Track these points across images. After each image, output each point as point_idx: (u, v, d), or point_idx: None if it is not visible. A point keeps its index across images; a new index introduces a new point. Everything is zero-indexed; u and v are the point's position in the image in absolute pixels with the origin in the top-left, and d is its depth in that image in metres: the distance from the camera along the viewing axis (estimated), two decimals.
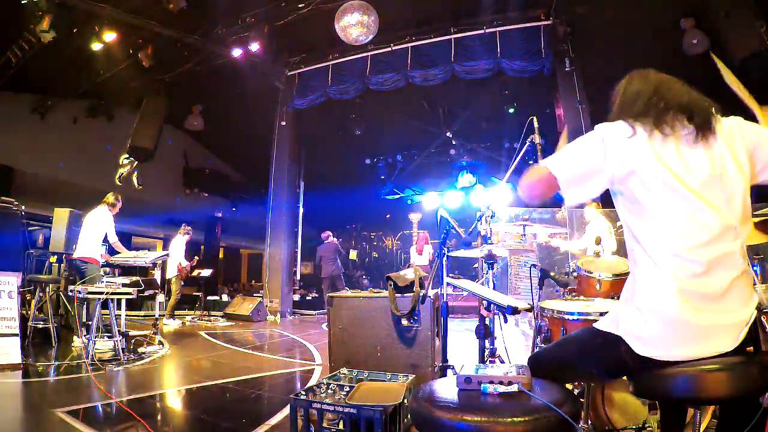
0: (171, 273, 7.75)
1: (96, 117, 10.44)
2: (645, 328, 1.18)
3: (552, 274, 3.37)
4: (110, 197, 5.40)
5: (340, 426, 2.06)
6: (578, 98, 7.47)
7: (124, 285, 4.26)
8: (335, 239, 9.47)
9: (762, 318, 1.19)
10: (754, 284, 2.13)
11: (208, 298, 9.40)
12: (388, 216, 16.30)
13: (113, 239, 5.27)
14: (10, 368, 3.66)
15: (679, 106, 1.24)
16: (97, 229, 5.17)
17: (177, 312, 7.80)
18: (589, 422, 1.93)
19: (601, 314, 1.96)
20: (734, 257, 1.17)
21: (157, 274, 6.52)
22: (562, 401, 1.10)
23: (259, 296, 8.73)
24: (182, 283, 7.88)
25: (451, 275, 2.43)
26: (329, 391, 2.22)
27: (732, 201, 1.18)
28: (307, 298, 10.41)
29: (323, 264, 9.05)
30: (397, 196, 14.67)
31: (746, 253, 1.21)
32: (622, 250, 4.18)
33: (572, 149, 1.30)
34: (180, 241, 7.99)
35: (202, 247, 14.22)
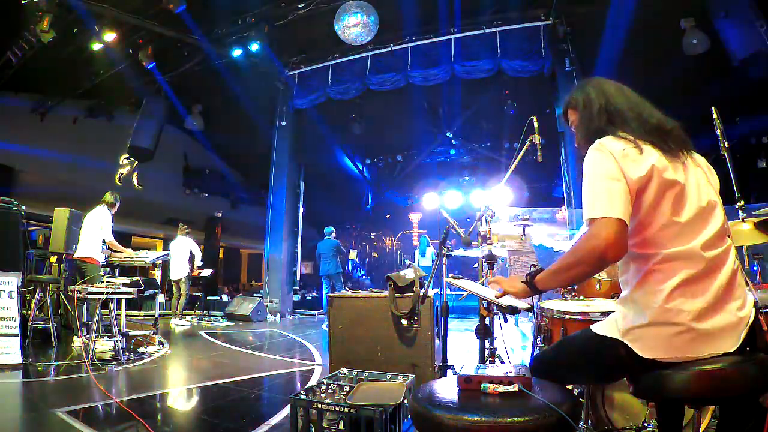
0: (181, 274, 7.72)
1: (96, 117, 10.45)
2: (647, 330, 1.17)
3: None
4: (109, 197, 5.41)
5: (340, 426, 2.05)
6: None
7: (124, 285, 4.26)
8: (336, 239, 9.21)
9: (758, 317, 1.19)
10: (756, 284, 2.13)
11: (208, 298, 9.40)
12: (388, 216, 16.29)
13: (109, 239, 5.28)
14: (10, 368, 3.65)
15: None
16: (96, 229, 5.18)
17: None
18: (589, 422, 1.93)
19: (602, 314, 1.96)
20: (730, 257, 1.20)
21: (157, 274, 6.52)
22: (562, 401, 1.10)
23: (259, 296, 8.72)
24: (190, 283, 7.89)
25: (451, 275, 2.43)
26: (329, 391, 2.22)
27: (719, 205, 1.25)
28: (307, 298, 10.40)
29: (321, 262, 8.77)
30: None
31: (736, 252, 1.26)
32: None
33: (599, 184, 1.17)
34: (188, 242, 7.96)
35: (202, 247, 14.21)
